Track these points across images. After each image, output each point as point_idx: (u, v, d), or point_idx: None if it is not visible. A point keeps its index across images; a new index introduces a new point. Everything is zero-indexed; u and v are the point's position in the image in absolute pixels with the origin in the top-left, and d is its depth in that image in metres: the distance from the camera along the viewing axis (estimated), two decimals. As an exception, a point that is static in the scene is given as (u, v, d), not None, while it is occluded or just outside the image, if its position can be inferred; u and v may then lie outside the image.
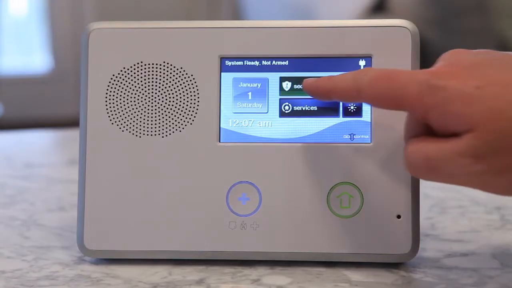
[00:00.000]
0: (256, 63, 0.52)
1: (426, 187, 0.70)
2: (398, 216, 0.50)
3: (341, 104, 0.51)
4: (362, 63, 0.51)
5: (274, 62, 0.52)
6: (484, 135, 0.39)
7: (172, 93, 0.52)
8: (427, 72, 0.42)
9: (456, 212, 0.63)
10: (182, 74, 0.52)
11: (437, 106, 0.41)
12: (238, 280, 0.49)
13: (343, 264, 0.51)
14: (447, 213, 0.63)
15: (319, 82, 0.47)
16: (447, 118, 0.40)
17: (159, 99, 0.52)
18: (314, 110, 0.52)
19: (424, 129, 0.43)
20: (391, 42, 0.51)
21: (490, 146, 0.39)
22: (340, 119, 0.51)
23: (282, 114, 0.52)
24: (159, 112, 0.52)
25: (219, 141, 0.52)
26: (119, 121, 0.52)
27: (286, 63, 0.52)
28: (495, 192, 0.41)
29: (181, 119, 0.52)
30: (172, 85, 0.52)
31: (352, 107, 0.51)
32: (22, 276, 0.50)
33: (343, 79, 0.45)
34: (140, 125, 0.52)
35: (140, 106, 0.52)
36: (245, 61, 0.52)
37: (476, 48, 0.44)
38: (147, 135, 0.52)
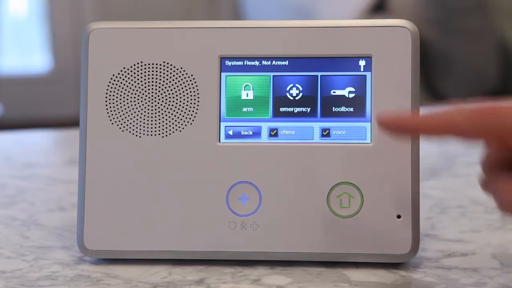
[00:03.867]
0: (256, 63, 0.52)
1: (426, 187, 0.70)
2: (398, 216, 0.50)
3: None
4: (362, 63, 0.51)
5: (274, 62, 0.52)
6: None
7: (172, 93, 0.52)
8: None
9: (456, 212, 0.63)
10: (182, 74, 0.52)
11: None
12: (238, 280, 0.49)
13: (343, 264, 0.51)
14: (447, 213, 0.63)
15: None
16: None
17: (159, 99, 0.52)
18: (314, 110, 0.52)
19: (509, 162, 0.40)
20: (391, 42, 0.51)
21: None
22: (341, 119, 0.51)
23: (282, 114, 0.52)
24: (159, 112, 0.52)
25: (219, 141, 0.52)
26: (119, 121, 0.52)
27: (286, 63, 0.52)
28: None
29: (181, 119, 0.52)
30: (172, 85, 0.52)
31: (352, 108, 0.51)
32: (22, 276, 0.50)
33: (434, 115, 0.41)
34: (140, 125, 0.52)
35: (140, 106, 0.52)
36: (245, 61, 0.52)
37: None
38: (147, 135, 0.52)
